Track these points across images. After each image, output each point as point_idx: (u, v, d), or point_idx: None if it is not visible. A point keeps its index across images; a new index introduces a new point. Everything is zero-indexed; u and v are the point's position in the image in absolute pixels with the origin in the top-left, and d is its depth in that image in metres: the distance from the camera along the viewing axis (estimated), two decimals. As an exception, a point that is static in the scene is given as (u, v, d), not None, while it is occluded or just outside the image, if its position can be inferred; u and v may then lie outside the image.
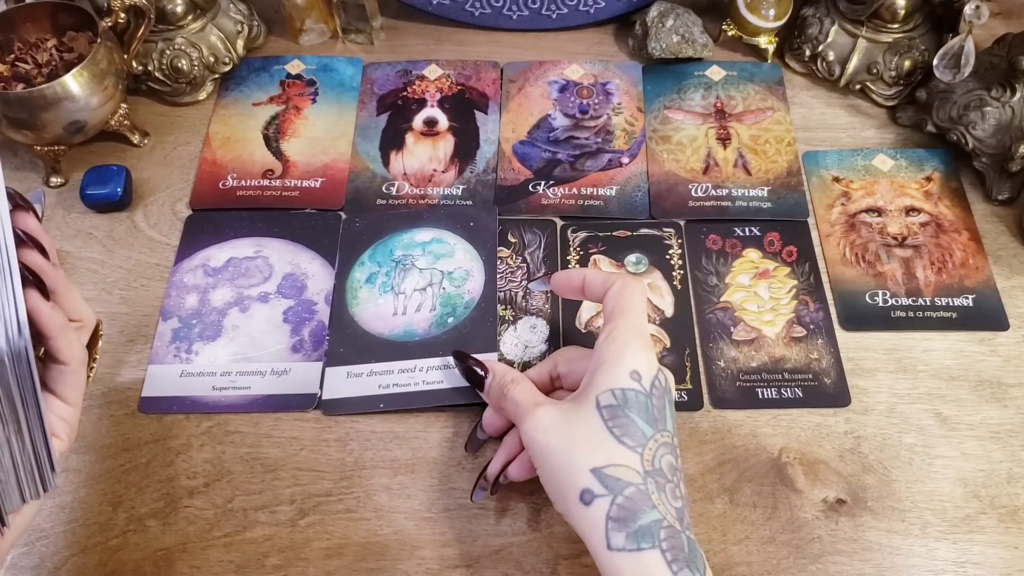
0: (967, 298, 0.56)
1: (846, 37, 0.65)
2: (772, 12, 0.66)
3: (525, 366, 0.53)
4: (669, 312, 0.55)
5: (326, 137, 0.64)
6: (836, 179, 0.62)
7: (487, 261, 0.57)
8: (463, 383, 0.49)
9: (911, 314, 0.55)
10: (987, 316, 0.55)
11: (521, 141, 0.64)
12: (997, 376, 0.53)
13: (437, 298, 0.56)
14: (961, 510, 0.48)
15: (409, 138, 0.64)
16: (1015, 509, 0.48)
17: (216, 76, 0.67)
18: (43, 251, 0.36)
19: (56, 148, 0.60)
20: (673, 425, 0.41)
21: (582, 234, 0.59)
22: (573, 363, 0.47)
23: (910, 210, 0.60)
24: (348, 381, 0.52)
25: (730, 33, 0.69)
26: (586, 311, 0.56)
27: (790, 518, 0.48)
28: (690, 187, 0.61)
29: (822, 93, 0.67)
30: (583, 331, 0.55)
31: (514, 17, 0.71)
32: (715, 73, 0.68)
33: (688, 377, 0.53)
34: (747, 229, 0.59)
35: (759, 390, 0.52)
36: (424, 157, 0.63)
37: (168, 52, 0.64)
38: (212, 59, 0.66)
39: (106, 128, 0.62)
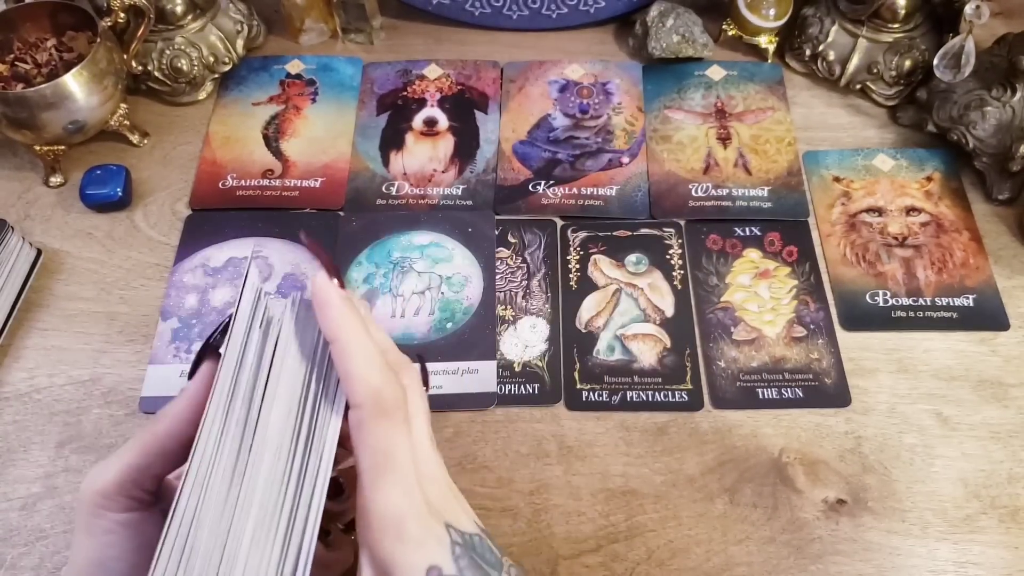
0: (968, 298, 0.56)
1: (846, 37, 0.65)
2: (772, 12, 0.66)
3: (525, 366, 0.53)
4: (669, 312, 0.55)
5: (326, 137, 0.64)
6: (836, 179, 0.62)
7: (486, 268, 0.57)
8: (463, 388, 0.49)
9: (912, 314, 0.55)
10: (988, 316, 0.55)
11: (521, 141, 0.64)
12: (998, 376, 0.53)
13: (436, 302, 0.56)
14: (961, 510, 0.48)
15: (409, 138, 0.64)
16: (1016, 509, 0.48)
17: (216, 76, 0.67)
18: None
19: (56, 148, 0.60)
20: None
21: (582, 234, 0.59)
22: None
23: (910, 210, 0.60)
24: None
25: (730, 33, 0.69)
26: (586, 311, 0.55)
27: (790, 518, 0.47)
28: (690, 187, 0.61)
29: (822, 93, 0.67)
30: (583, 331, 0.55)
31: (514, 17, 0.71)
32: (715, 73, 0.68)
33: (688, 377, 0.53)
34: (747, 229, 0.59)
35: (759, 390, 0.52)
36: (424, 157, 0.63)
37: (168, 52, 0.64)
38: (212, 59, 0.65)
39: (106, 128, 0.62)
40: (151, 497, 0.32)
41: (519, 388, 0.52)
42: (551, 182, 0.61)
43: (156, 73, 0.64)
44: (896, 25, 0.64)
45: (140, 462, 0.31)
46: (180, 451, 0.32)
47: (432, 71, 0.68)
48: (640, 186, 0.61)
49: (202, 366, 0.32)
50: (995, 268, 0.57)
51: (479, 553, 0.29)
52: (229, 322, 0.32)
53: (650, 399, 0.52)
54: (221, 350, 0.30)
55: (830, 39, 0.65)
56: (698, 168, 0.62)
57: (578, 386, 0.52)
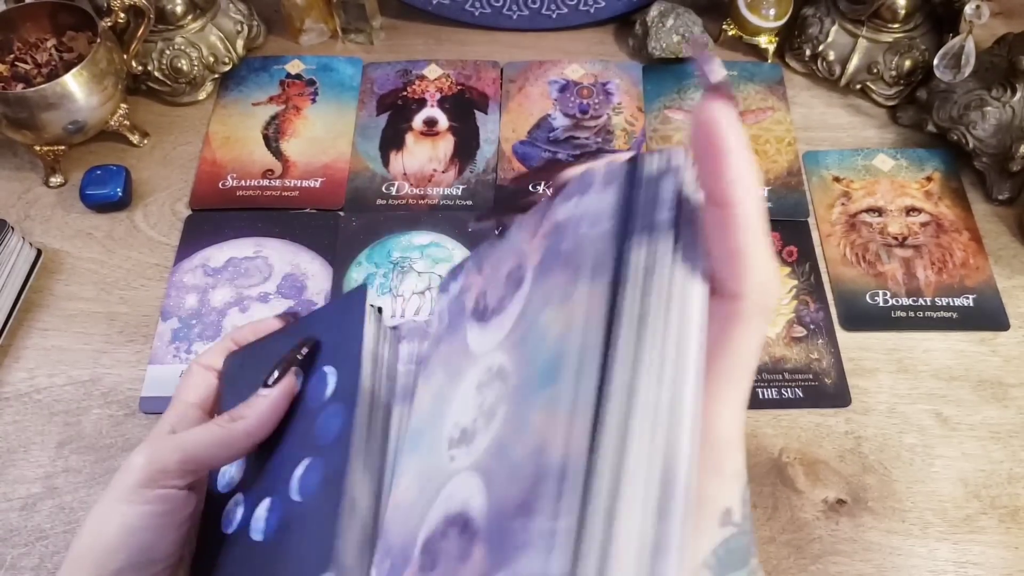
0: (968, 298, 0.56)
1: (846, 37, 0.65)
2: (772, 12, 0.66)
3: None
4: (669, 312, 0.55)
5: (326, 137, 0.64)
6: (836, 179, 0.62)
7: None
8: None
9: (911, 314, 0.55)
10: (988, 316, 0.55)
11: (521, 141, 0.64)
12: (998, 376, 0.53)
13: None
14: (961, 510, 0.48)
15: (409, 138, 0.64)
16: (1015, 509, 0.48)
17: (216, 76, 0.67)
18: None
19: (56, 148, 0.60)
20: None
21: (582, 234, 0.59)
22: None
23: (910, 210, 0.60)
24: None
25: (730, 33, 0.69)
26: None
27: (790, 518, 0.47)
28: (690, 187, 0.61)
29: (822, 93, 0.67)
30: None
31: (514, 17, 0.71)
32: (715, 73, 0.68)
33: (688, 377, 0.53)
34: (747, 229, 0.59)
35: (759, 390, 0.52)
36: (424, 157, 0.63)
37: (168, 52, 0.64)
38: (212, 59, 0.65)
39: (106, 128, 0.62)
40: (202, 482, 0.32)
41: (519, 388, 0.52)
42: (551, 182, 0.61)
43: (156, 73, 0.64)
44: (896, 25, 0.64)
45: (210, 452, 0.31)
46: (250, 450, 0.32)
47: (432, 71, 0.68)
48: (640, 186, 0.61)
49: (286, 376, 0.33)
50: (995, 268, 0.57)
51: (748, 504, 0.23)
52: (314, 346, 0.33)
53: (650, 399, 0.52)
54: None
55: (830, 39, 0.65)
56: (698, 168, 0.62)
57: (578, 386, 0.52)
